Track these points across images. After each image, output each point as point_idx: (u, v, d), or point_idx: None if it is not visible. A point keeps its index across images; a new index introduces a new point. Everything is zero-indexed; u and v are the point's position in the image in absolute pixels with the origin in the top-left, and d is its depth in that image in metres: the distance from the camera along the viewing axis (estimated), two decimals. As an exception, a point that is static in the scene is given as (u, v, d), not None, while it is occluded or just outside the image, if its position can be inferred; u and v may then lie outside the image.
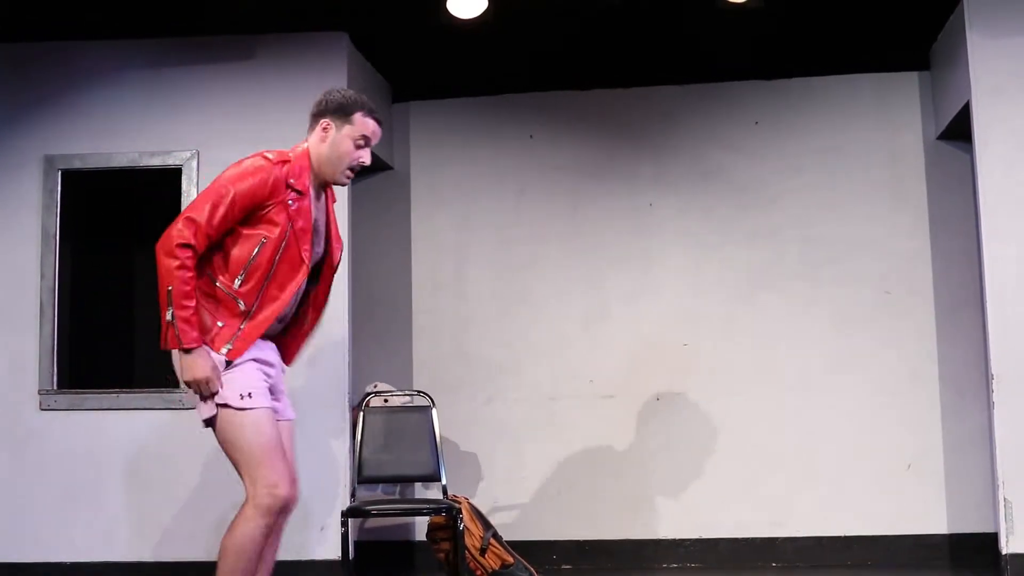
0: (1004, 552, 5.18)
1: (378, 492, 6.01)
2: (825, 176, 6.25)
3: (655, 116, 6.41)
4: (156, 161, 5.79)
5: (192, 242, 3.47)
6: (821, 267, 6.19)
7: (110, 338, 6.47)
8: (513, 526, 6.05)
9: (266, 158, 3.62)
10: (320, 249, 3.79)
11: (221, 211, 3.51)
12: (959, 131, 5.85)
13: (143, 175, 5.85)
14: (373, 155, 6.27)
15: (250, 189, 3.56)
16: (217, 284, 3.58)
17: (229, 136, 5.76)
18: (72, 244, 5.91)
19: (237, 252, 3.57)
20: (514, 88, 6.45)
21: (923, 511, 5.96)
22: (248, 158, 3.64)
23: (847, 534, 5.99)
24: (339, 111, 3.73)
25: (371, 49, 6.06)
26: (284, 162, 3.64)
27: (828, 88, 6.32)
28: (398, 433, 5.51)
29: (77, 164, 5.80)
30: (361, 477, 5.42)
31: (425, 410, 5.53)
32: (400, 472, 5.50)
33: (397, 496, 6.06)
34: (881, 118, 6.26)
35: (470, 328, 6.37)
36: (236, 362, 3.55)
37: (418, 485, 6.05)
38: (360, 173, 6.28)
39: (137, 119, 5.80)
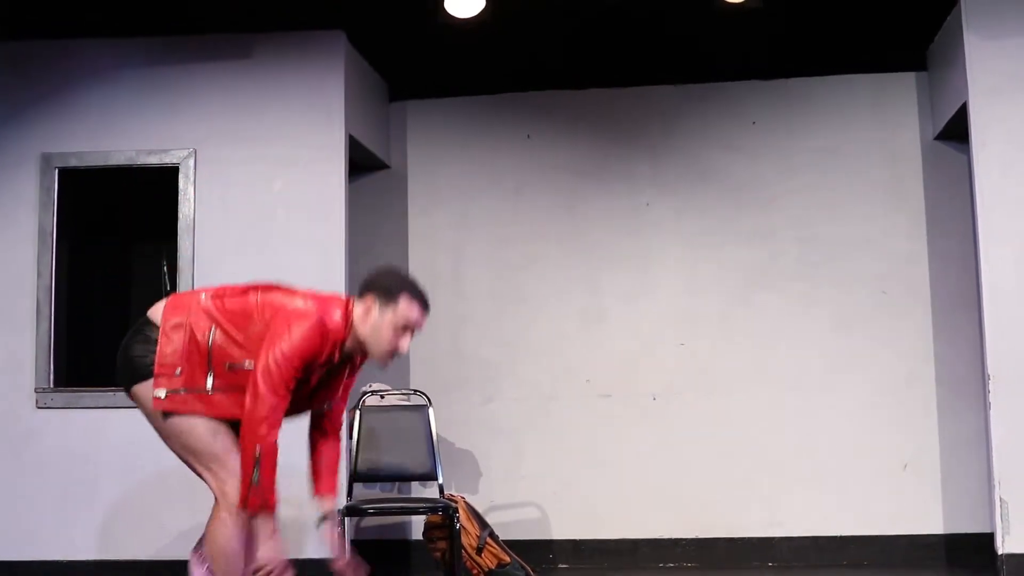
0: (1000, 552, 5.18)
1: (375, 491, 6.01)
2: (822, 176, 6.25)
3: (652, 116, 6.41)
4: (153, 159, 5.78)
5: (284, 402, 3.43)
6: (818, 267, 6.19)
7: (107, 336, 6.45)
8: (510, 525, 6.06)
9: (326, 330, 3.48)
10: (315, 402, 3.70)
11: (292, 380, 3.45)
12: (956, 131, 5.86)
13: (140, 173, 5.85)
14: (370, 153, 6.33)
15: (307, 358, 3.46)
16: (210, 344, 3.52)
17: (226, 135, 5.76)
18: (69, 242, 5.90)
19: (247, 357, 3.50)
20: (511, 87, 6.45)
21: (919, 511, 5.96)
22: (314, 323, 3.48)
23: (843, 534, 6.00)
24: (385, 292, 3.57)
25: (368, 48, 6.06)
26: (335, 332, 3.52)
27: (825, 88, 6.32)
28: (395, 432, 5.50)
29: (74, 162, 5.80)
30: (357, 476, 5.41)
31: (422, 409, 5.53)
32: (397, 471, 5.50)
33: (394, 495, 6.06)
34: (878, 118, 6.26)
35: (467, 327, 6.36)
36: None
37: (415, 484, 6.05)
38: (357, 171, 6.34)
39: (134, 117, 5.80)
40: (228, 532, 3.51)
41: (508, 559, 5.32)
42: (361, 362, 3.73)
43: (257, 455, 3.37)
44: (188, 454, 3.58)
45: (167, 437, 3.60)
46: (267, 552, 3.46)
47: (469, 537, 5.27)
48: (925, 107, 6.22)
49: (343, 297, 3.67)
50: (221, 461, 3.52)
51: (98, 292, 6.38)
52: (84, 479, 5.60)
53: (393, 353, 3.59)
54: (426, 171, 6.52)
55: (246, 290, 3.63)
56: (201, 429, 3.54)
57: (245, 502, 3.41)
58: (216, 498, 3.55)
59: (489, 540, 5.33)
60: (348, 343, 3.58)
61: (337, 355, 3.57)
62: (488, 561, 5.29)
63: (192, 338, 3.53)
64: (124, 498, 5.59)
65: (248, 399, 3.40)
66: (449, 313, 6.37)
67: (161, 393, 3.51)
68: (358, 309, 3.58)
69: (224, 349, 3.53)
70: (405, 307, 3.57)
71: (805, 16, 5.75)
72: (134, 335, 3.61)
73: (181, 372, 3.51)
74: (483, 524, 5.40)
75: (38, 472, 5.61)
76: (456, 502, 5.25)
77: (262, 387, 3.39)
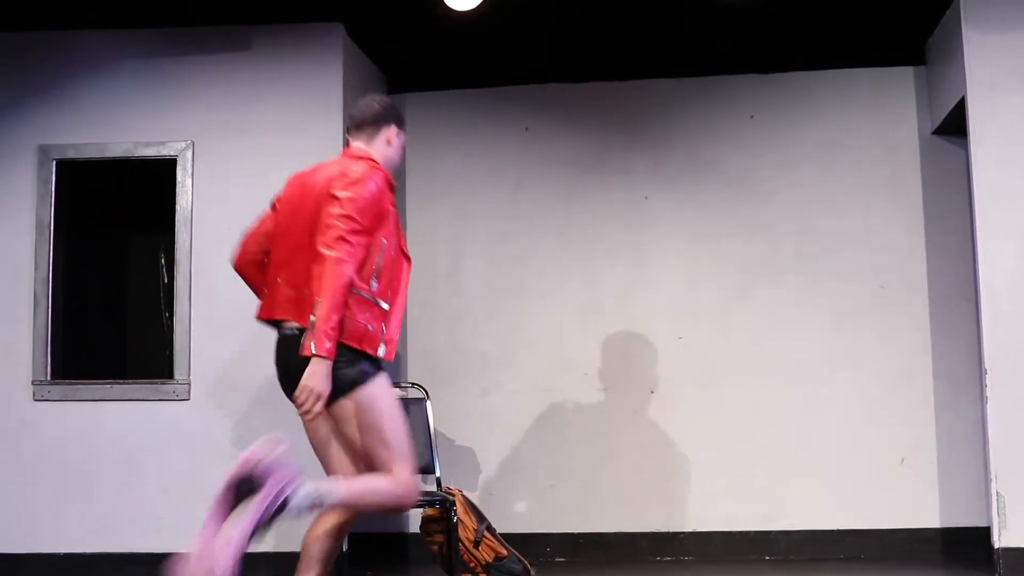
0: (996, 546, 5.19)
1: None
2: (820, 170, 6.26)
3: (651, 109, 6.41)
4: (151, 152, 5.78)
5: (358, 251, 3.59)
6: (816, 261, 6.20)
7: (104, 329, 6.46)
8: (507, 519, 6.06)
9: (374, 164, 3.77)
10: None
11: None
12: (954, 126, 5.86)
13: (138, 165, 5.84)
14: (368, 146, 6.29)
15: (379, 195, 3.67)
16: (353, 289, 3.59)
17: (224, 127, 5.76)
18: (66, 234, 5.89)
19: (367, 256, 3.64)
20: (510, 80, 6.45)
21: (916, 505, 5.98)
22: (361, 166, 3.73)
23: (840, 528, 6.01)
24: (400, 120, 3.96)
25: (367, 40, 6.05)
26: (381, 169, 3.80)
27: (824, 82, 6.32)
28: (392, 425, 5.49)
29: (72, 154, 5.79)
30: (355, 469, 5.40)
31: (419, 402, 5.53)
32: (394, 464, 5.48)
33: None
34: (877, 112, 6.26)
35: (465, 320, 6.36)
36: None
37: (417, 477, 6.05)
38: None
39: (132, 109, 5.79)
40: (388, 495, 3.69)
41: (505, 552, 5.31)
42: None
43: (318, 301, 3.49)
44: (381, 429, 3.67)
45: (377, 415, 3.67)
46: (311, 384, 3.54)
47: (466, 530, 5.27)
48: (923, 101, 6.22)
49: (348, 155, 3.88)
50: (405, 456, 3.73)
51: (95, 284, 6.38)
52: (81, 472, 5.59)
53: None
54: (425, 164, 6.51)
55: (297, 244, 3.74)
56: (395, 403, 3.74)
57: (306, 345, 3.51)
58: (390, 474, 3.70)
59: (486, 533, 5.32)
60: None
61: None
62: (485, 554, 5.29)
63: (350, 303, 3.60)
64: (121, 491, 5.59)
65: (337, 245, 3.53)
66: (447, 306, 6.37)
67: (381, 350, 3.68)
68: (378, 143, 3.90)
69: (358, 278, 3.62)
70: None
71: (804, 10, 5.75)
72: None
73: (372, 328, 3.64)
74: (480, 517, 5.40)
75: (35, 465, 5.60)
76: (453, 495, 5.25)
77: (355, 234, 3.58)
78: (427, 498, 5.21)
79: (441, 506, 5.13)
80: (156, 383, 5.67)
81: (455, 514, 5.08)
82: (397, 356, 6.35)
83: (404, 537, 6.22)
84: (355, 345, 3.59)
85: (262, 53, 5.80)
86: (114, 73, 5.81)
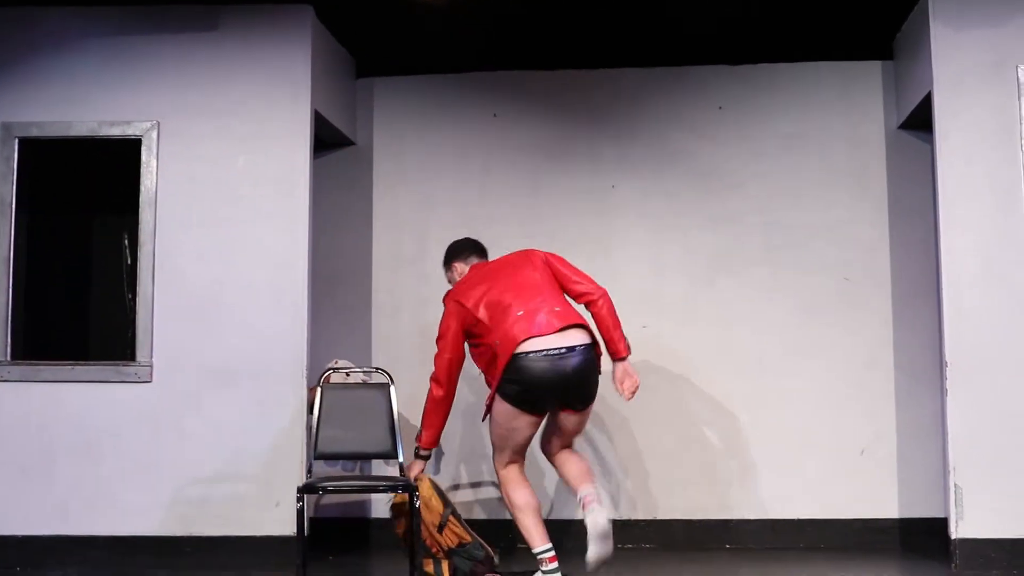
0: (953, 536, 5.26)
1: (338, 469, 5.99)
2: (787, 162, 6.29)
3: (619, 98, 6.41)
4: (116, 131, 5.71)
5: None
6: (781, 253, 6.23)
7: (66, 310, 6.40)
8: (471, 505, 6.08)
9: None
10: None
11: None
12: (920, 121, 5.91)
13: (102, 145, 5.78)
14: (335, 130, 6.30)
15: None
16: None
17: (190, 107, 5.71)
18: (29, 214, 5.82)
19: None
20: (479, 66, 6.43)
21: (875, 496, 6.04)
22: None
23: (800, 517, 6.06)
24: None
25: (336, 23, 6.01)
26: None
27: (792, 75, 6.35)
28: (356, 410, 5.48)
29: (35, 132, 5.72)
30: (317, 453, 5.39)
31: (383, 387, 5.51)
32: (356, 449, 5.47)
33: (358, 473, 6.04)
34: (844, 106, 6.30)
35: (430, 306, 6.31)
36: None
37: (381, 463, 6.04)
38: (323, 148, 6.33)
39: (98, 88, 5.72)
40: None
41: (469, 538, 5.31)
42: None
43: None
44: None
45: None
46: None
47: (432, 514, 5.26)
48: (890, 96, 6.27)
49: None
50: None
51: (57, 264, 6.32)
52: (41, 454, 5.54)
53: None
54: (392, 149, 6.49)
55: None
56: None
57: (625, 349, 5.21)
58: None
59: (451, 519, 5.31)
60: None
61: None
62: (449, 540, 5.29)
63: None
64: (81, 473, 5.55)
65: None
66: (413, 293, 6.36)
67: None
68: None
69: None
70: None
71: (774, 3, 5.77)
72: (594, 362, 4.98)
73: None
74: (446, 502, 5.40)
75: (-6, 446, 5.55)
76: (420, 480, 5.24)
77: None
78: (392, 483, 5.20)
79: (403, 491, 5.11)
80: (118, 365, 5.62)
81: (417, 499, 5.07)
82: (362, 340, 6.35)
83: (366, 522, 6.21)
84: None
85: (230, 34, 5.75)
86: (79, 51, 5.74)
